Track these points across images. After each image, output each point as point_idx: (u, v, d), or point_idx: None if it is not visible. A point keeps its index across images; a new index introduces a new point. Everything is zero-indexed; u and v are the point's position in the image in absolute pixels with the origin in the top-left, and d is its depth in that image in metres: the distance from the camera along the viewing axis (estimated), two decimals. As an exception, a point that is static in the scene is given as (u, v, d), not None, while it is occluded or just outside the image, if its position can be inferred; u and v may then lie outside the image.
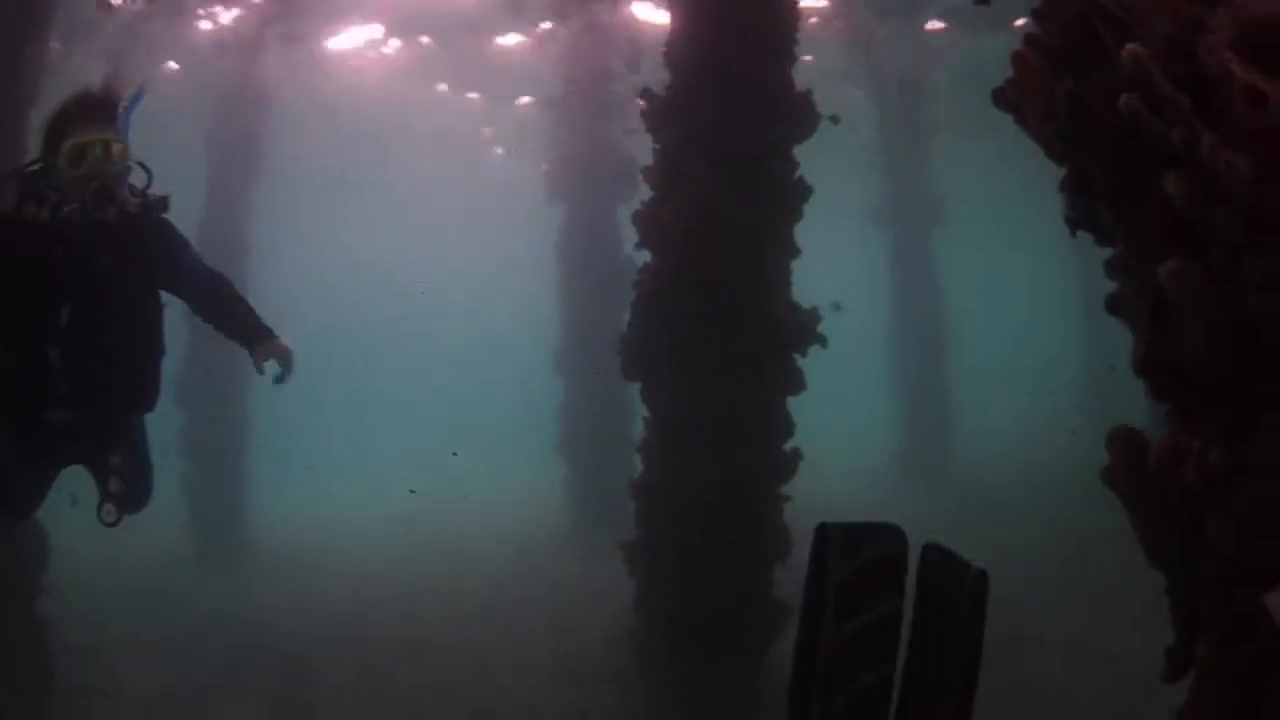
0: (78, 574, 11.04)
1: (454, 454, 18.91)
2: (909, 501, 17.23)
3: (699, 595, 8.42)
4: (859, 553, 2.95)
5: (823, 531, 3.01)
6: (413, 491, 17.67)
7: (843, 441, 25.51)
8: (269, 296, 18.69)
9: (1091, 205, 2.49)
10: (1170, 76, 1.97)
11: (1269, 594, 2.02)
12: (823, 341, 8.47)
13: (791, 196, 8.48)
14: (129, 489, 5.94)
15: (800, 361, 8.56)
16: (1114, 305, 2.60)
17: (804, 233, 8.73)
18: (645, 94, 9.08)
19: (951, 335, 21.28)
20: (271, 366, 5.85)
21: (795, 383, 8.61)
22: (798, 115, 8.60)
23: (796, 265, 8.68)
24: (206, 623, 12.26)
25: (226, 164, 18.26)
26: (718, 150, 8.28)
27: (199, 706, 9.53)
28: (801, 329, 8.39)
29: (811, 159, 8.74)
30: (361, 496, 24.74)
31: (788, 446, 8.71)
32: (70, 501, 13.41)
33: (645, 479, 8.94)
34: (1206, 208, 1.91)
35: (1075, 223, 2.70)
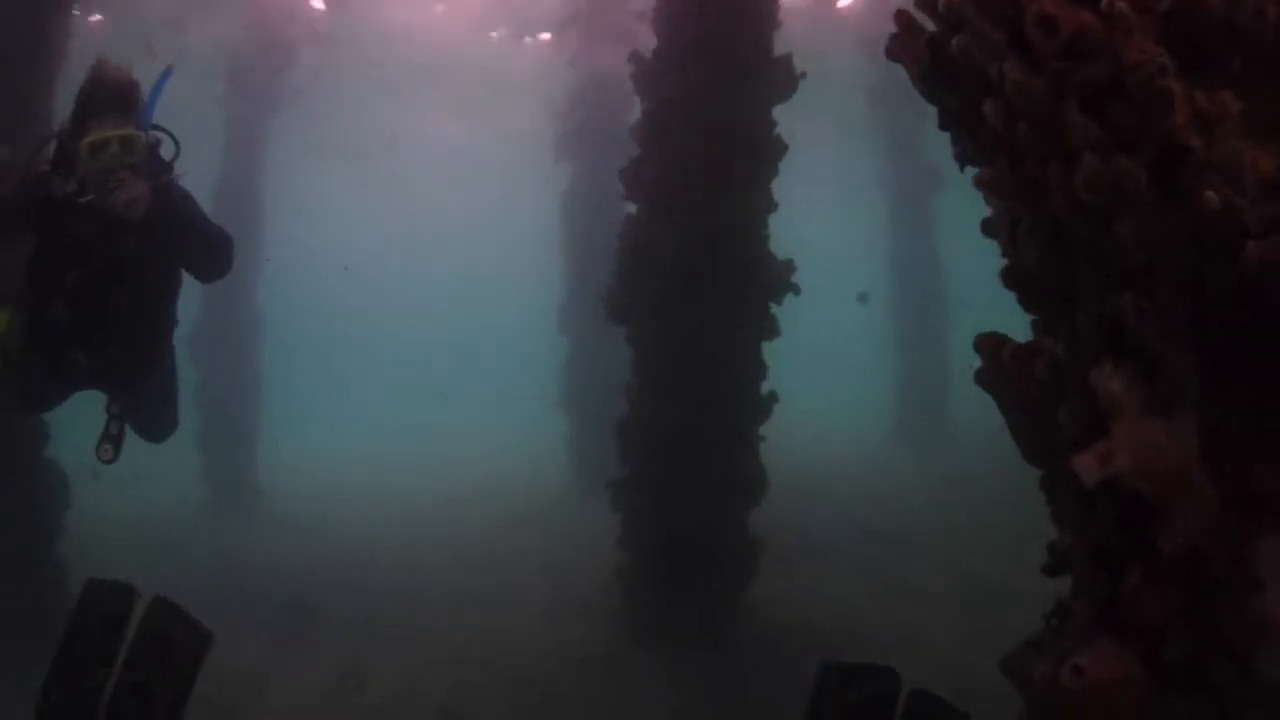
0: (95, 524, 11.26)
1: (444, 396, 18.86)
2: (904, 465, 17.60)
3: (678, 531, 8.82)
4: (855, 689, 3.17)
5: (824, 670, 3.23)
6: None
7: (844, 406, 25.91)
8: (284, 253, 19.19)
9: (960, 140, 2.78)
10: (995, 17, 2.30)
11: (1076, 457, 2.28)
12: (796, 290, 8.84)
13: (768, 154, 8.79)
14: (145, 422, 6.25)
15: (800, 329, 8.94)
16: (986, 228, 2.90)
17: (805, 200, 9.03)
18: (633, 57, 9.39)
19: (951, 301, 21.39)
20: None
21: (770, 329, 8.96)
22: (777, 77, 8.92)
23: (799, 230, 9.00)
24: (216, 568, 12.61)
25: (244, 108, 18.74)
26: (698, 110, 8.60)
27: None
28: (776, 279, 8.74)
29: (810, 125, 9.02)
30: (369, 449, 25.18)
31: (763, 390, 9.09)
32: (92, 476, 13.89)
33: (627, 419, 9.31)
34: (1010, 126, 2.23)
35: (962, 158, 2.97)
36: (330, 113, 24.54)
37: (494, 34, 22.11)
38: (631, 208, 9.18)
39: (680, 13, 8.97)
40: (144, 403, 6.22)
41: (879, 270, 22.37)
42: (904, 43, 2.71)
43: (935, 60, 2.57)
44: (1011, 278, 2.75)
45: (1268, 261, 1.90)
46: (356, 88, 24.31)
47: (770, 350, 9.11)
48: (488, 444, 25.45)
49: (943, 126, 2.80)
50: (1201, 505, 2.13)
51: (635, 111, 9.56)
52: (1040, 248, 2.50)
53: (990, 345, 2.72)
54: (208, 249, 5.88)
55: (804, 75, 8.89)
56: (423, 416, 32.40)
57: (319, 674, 9.28)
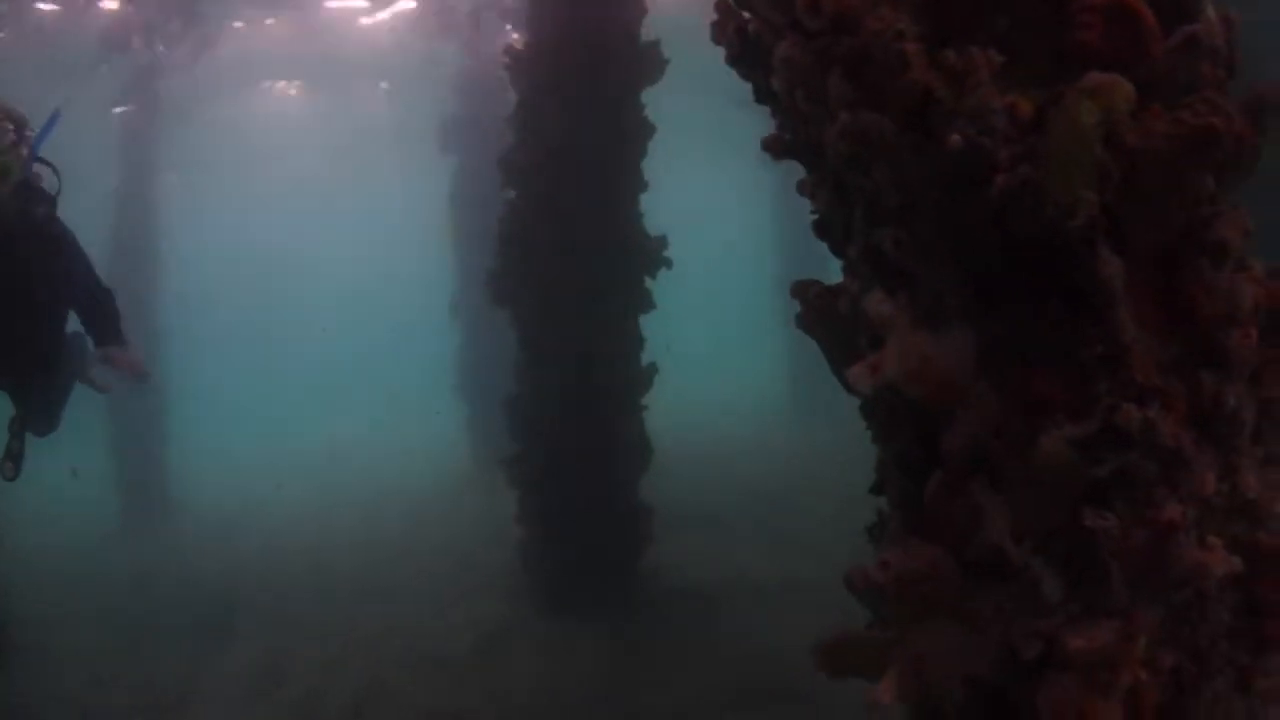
0: (12, 542, 11.36)
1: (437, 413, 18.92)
2: (796, 433, 18.00)
3: (570, 502, 9.14)
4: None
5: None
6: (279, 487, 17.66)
7: (740, 380, 26.31)
8: (172, 260, 19.05)
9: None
10: (777, 3, 2.61)
11: (849, 370, 2.55)
12: (668, 264, 9.19)
13: (638, 136, 9.13)
14: (36, 424, 6.48)
15: (697, 303, 9.28)
16: (799, 188, 3.20)
17: (689, 173, 9.35)
18: (507, 49, 9.64)
19: (835, 275, 21.72)
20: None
21: (645, 303, 9.32)
22: (645, 62, 9.21)
23: (687, 202, 9.32)
24: (133, 580, 12.78)
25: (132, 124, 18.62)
26: (568, 96, 8.88)
27: (133, 659, 9.98)
28: (650, 254, 9.08)
29: (695, 99, 9.31)
30: (276, 447, 25.13)
31: (643, 362, 9.44)
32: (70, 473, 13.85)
33: (515, 396, 9.59)
34: (791, 94, 2.56)
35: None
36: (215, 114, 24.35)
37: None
38: (510, 194, 9.40)
39: (549, 4, 9.23)
40: (40, 412, 6.44)
41: (769, 244, 22.72)
42: (721, 27, 2.99)
43: (742, 43, 2.87)
44: (817, 229, 3.06)
45: (1012, 190, 2.19)
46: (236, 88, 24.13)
47: (666, 328, 9.44)
48: (389, 433, 25.52)
49: (757, 100, 3.08)
50: (982, 410, 2.42)
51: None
52: (827, 198, 2.82)
53: (802, 289, 3.00)
54: (89, 297, 6.20)
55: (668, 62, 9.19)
56: (324, 412, 32.34)
57: (241, 673, 9.43)
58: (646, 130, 9.16)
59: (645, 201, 9.27)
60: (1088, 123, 2.11)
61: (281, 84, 25.35)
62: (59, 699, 8.91)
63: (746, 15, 2.84)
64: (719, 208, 32.59)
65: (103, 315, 6.66)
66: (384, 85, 24.80)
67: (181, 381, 18.93)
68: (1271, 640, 2.44)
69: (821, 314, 2.95)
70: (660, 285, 9.44)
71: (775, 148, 2.90)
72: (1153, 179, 2.25)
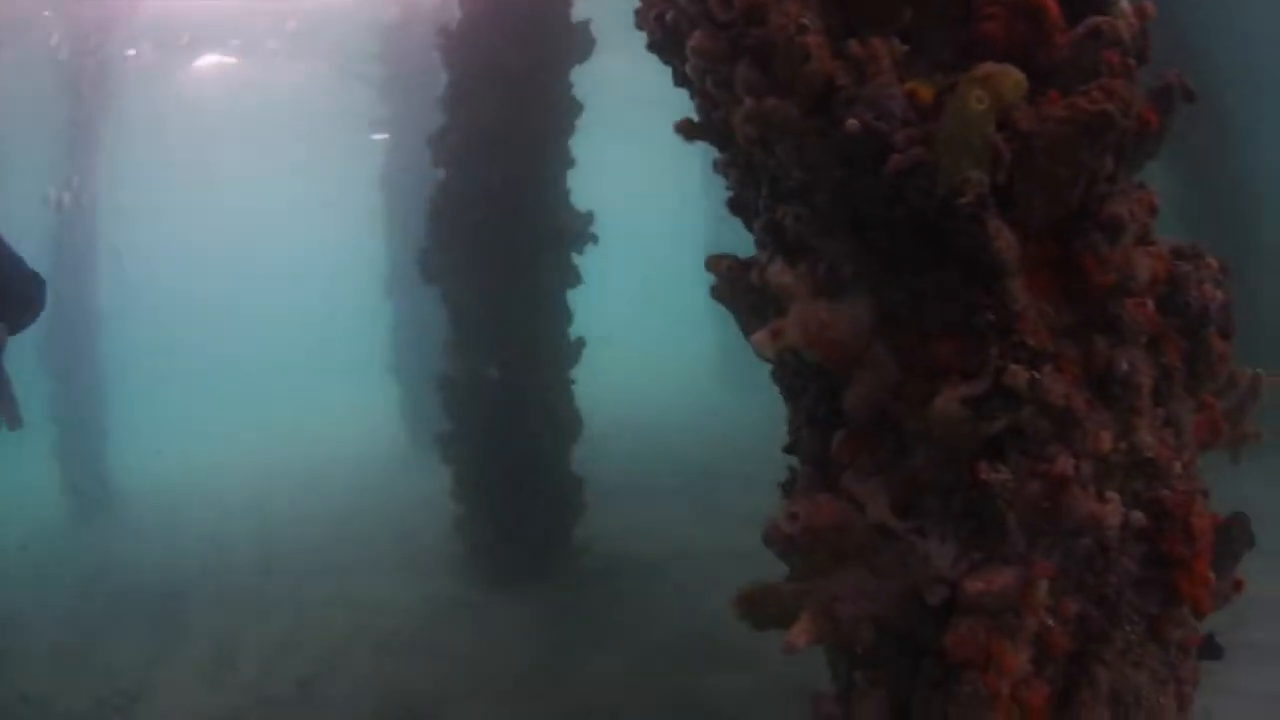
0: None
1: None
2: (726, 405, 18.21)
3: (503, 476, 9.30)
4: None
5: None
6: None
7: (672, 354, 26.54)
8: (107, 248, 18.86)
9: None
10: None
11: (752, 336, 2.72)
12: (594, 239, 9.35)
13: (565, 114, 9.23)
14: None
15: (634, 278, 9.46)
16: (715, 166, 3.33)
17: (621, 153, 9.50)
18: (440, 30, 9.65)
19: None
20: None
21: (573, 278, 9.50)
22: (575, 42, 9.34)
23: (625, 180, 9.47)
24: (84, 576, 12.83)
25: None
26: (498, 77, 8.96)
27: (89, 654, 9.99)
28: (577, 230, 9.22)
29: (627, 74, 9.38)
30: (215, 434, 25.02)
31: (571, 335, 9.62)
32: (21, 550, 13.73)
33: (446, 372, 9.67)
34: (703, 80, 2.72)
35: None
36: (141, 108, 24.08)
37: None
38: (440, 173, 9.45)
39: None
40: None
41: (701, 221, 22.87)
42: (643, 14, 3.11)
43: (662, 30, 2.99)
44: (731, 205, 3.21)
45: (906, 170, 2.35)
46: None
47: (597, 303, 9.58)
48: (326, 415, 25.51)
49: (675, 84, 3.20)
50: (880, 372, 2.59)
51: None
52: (738, 177, 2.98)
53: (715, 263, 3.14)
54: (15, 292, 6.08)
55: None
56: (262, 397, 32.15)
57: (195, 657, 9.46)
58: (574, 109, 9.29)
59: (574, 179, 9.42)
60: (976, 109, 2.26)
61: (212, 60, 25.03)
62: (18, 698, 8.90)
63: (667, 3, 2.96)
64: (657, 185, 32.75)
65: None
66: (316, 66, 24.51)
67: (119, 369, 18.78)
68: (1179, 592, 2.61)
69: (733, 285, 3.06)
70: (598, 262, 9.58)
71: (687, 130, 3.04)
72: (1046, 160, 2.40)
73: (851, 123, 2.36)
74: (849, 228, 2.58)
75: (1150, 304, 2.63)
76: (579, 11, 9.37)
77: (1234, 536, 2.91)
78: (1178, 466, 2.63)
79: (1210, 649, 3.11)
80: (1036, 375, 2.33)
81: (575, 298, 9.69)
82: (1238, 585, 3.03)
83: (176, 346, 47.36)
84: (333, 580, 11.09)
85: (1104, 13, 2.60)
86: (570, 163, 9.38)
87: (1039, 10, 2.50)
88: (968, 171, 2.28)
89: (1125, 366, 2.51)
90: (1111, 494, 2.46)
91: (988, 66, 2.32)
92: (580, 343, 9.63)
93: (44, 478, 17.31)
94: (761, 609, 2.64)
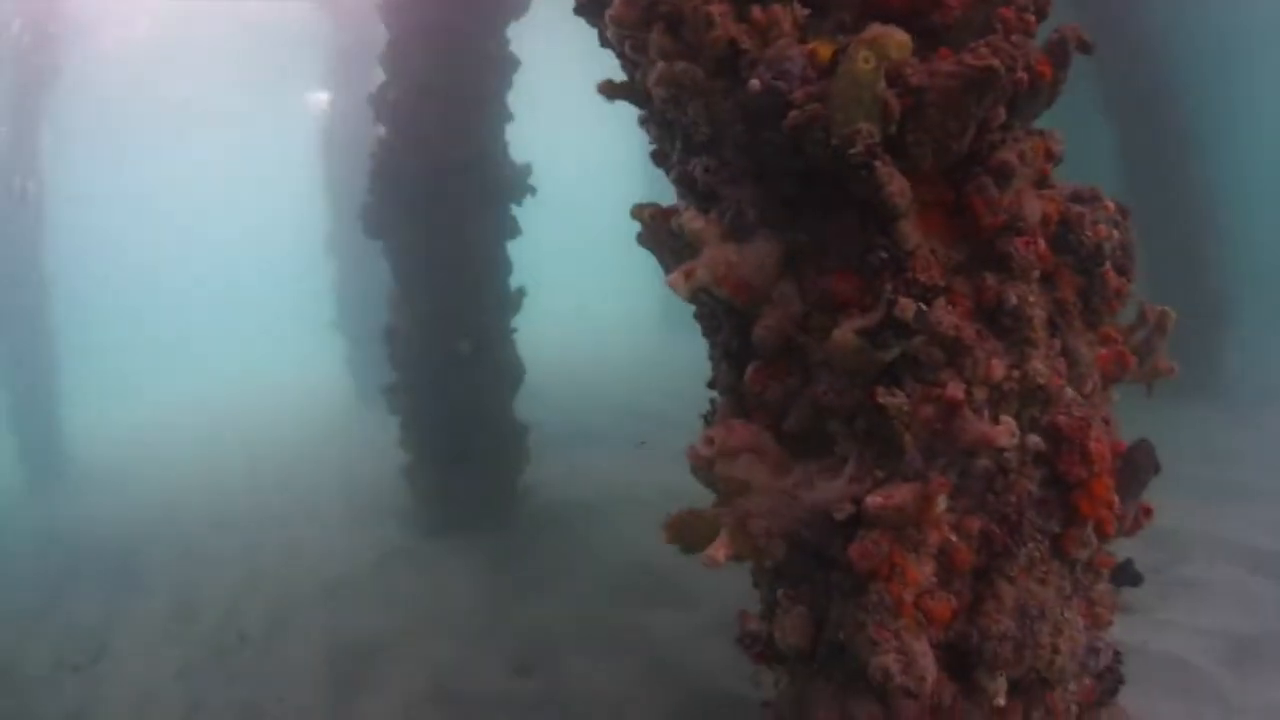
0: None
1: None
2: (670, 351, 18.46)
3: (447, 424, 9.46)
4: None
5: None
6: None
7: (617, 302, 26.70)
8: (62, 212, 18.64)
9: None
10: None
11: (667, 278, 2.91)
12: (532, 191, 9.48)
13: (502, 70, 9.32)
14: None
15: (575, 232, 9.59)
16: (639, 122, 3.51)
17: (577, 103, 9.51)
18: (382, -8, 9.71)
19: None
20: None
21: (512, 229, 9.66)
22: (510, 10, 9.45)
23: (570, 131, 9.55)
24: (44, 540, 12.86)
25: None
26: (435, 33, 9.02)
27: (50, 616, 10.03)
28: (515, 182, 9.34)
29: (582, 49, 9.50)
30: (164, 395, 24.90)
31: (512, 286, 9.75)
32: None
33: (391, 324, 9.78)
34: (622, 44, 2.90)
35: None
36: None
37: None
38: (380, 130, 9.50)
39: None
40: None
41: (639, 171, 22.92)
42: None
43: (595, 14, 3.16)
44: (654, 157, 3.38)
45: (803, 124, 2.53)
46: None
47: (538, 253, 9.70)
48: (273, 372, 25.45)
49: (601, 45, 3.34)
50: (786, 307, 2.79)
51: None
52: (656, 133, 3.17)
53: (639, 211, 3.31)
54: None
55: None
56: (207, 358, 31.96)
57: (154, 611, 9.57)
58: (511, 64, 9.38)
59: (512, 131, 9.51)
60: (864, 69, 2.44)
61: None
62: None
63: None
64: (598, 135, 32.79)
65: None
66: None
67: (69, 332, 18.64)
68: (1079, 512, 2.79)
69: (656, 232, 3.24)
70: (543, 214, 9.67)
71: (609, 90, 3.21)
72: (935, 112, 2.57)
73: (753, 83, 2.55)
74: (754, 177, 2.77)
75: (1040, 242, 2.81)
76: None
77: (1139, 464, 3.07)
78: (1070, 393, 2.81)
79: (1128, 575, 3.29)
80: (924, 307, 2.53)
81: (519, 249, 9.83)
82: (1147, 512, 3.20)
83: (120, 309, 46.84)
84: (284, 532, 11.25)
85: None
86: (508, 117, 9.48)
87: None
88: (858, 124, 2.46)
89: (1014, 300, 2.68)
90: (1006, 418, 2.64)
91: (875, 29, 2.50)
92: (520, 293, 9.78)
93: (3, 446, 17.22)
94: (689, 533, 2.85)
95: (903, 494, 2.56)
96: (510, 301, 9.73)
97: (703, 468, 2.86)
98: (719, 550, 2.72)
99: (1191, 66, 12.97)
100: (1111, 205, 3.13)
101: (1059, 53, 2.79)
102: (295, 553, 10.41)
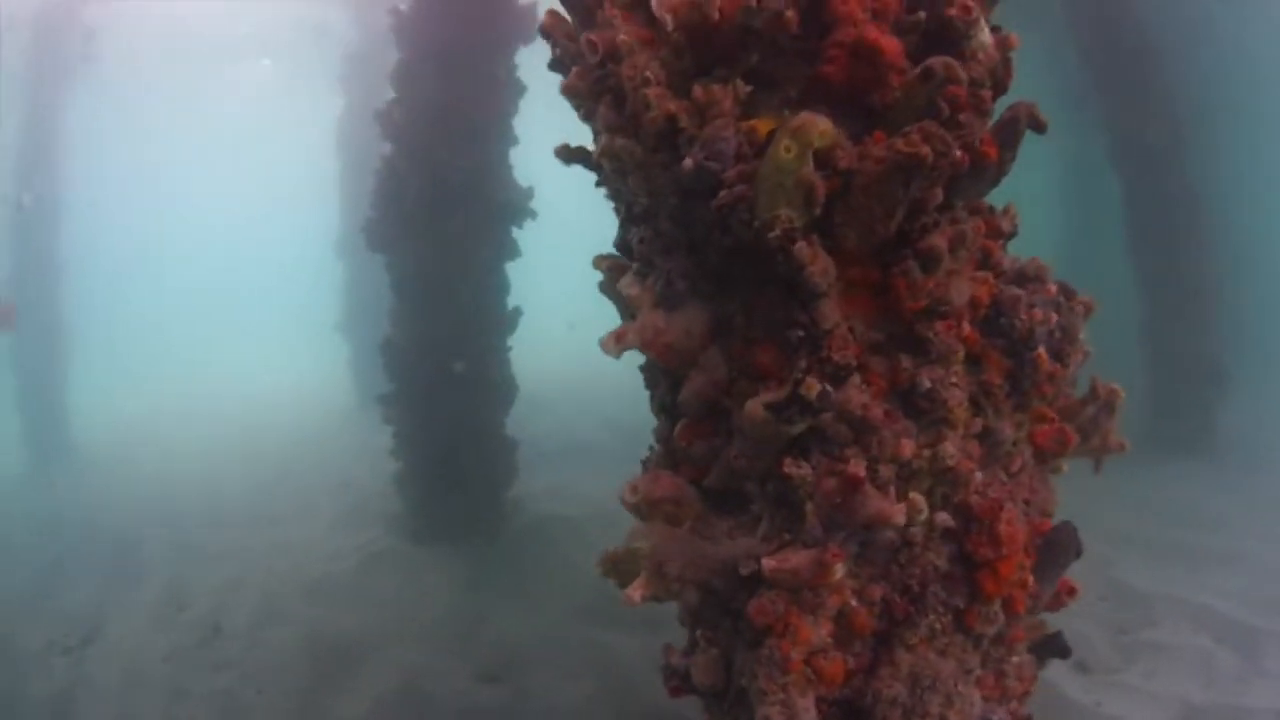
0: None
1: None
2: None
3: (440, 438, 9.59)
4: None
5: None
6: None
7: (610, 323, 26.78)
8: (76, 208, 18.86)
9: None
10: (570, 41, 3.06)
11: (601, 340, 3.01)
12: (533, 215, 9.61)
13: (509, 94, 9.46)
14: None
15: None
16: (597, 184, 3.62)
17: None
18: (392, 10, 9.81)
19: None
20: None
21: (511, 250, 9.79)
22: (520, 24, 9.53)
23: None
24: (41, 524, 13.05)
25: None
26: (444, 55, 9.16)
27: (44, 598, 10.18)
28: (517, 205, 9.48)
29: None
30: (169, 388, 25.05)
31: (509, 305, 9.89)
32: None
33: (389, 337, 9.92)
34: (576, 108, 3.03)
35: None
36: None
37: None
38: (387, 147, 9.64)
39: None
40: None
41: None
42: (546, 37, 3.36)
43: (556, 58, 3.26)
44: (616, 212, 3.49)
45: (729, 205, 2.62)
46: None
47: (534, 271, 9.81)
48: (276, 370, 25.58)
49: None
50: (711, 372, 2.88)
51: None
52: (610, 194, 3.26)
53: (599, 261, 3.40)
54: None
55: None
56: (214, 350, 32.10)
57: (146, 601, 9.71)
58: (518, 89, 9.52)
59: (515, 156, 9.64)
60: (785, 157, 2.52)
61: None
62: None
63: (555, 37, 3.23)
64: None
65: None
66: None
67: (80, 320, 18.82)
68: (982, 590, 2.84)
69: (613, 283, 3.33)
70: (542, 236, 9.78)
71: (563, 154, 3.31)
72: (861, 196, 2.63)
73: (686, 162, 2.65)
74: (687, 249, 2.87)
75: (966, 325, 2.88)
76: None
77: (1061, 545, 3.09)
78: (980, 476, 2.86)
79: (1056, 648, 3.34)
80: (828, 389, 2.61)
81: (516, 270, 9.97)
82: (1070, 591, 3.25)
83: (132, 302, 46.98)
84: (275, 529, 11.39)
85: (959, 47, 2.79)
86: (513, 141, 9.61)
87: (875, 53, 2.69)
88: (779, 210, 2.54)
89: (927, 384, 2.74)
90: (915, 495, 2.70)
91: (801, 117, 2.56)
92: (517, 312, 9.91)
93: (4, 426, 17.39)
94: (620, 569, 2.96)
95: (799, 559, 2.63)
96: (507, 321, 9.85)
97: (631, 511, 2.97)
98: (636, 590, 2.84)
99: (1200, 123, 12.99)
100: (1054, 288, 3.18)
101: (1007, 133, 2.83)
102: (284, 550, 10.56)
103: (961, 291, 2.85)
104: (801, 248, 2.60)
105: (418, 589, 8.95)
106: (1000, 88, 2.94)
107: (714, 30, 2.75)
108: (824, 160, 2.62)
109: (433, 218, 9.18)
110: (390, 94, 9.64)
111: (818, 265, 2.64)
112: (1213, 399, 12.09)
